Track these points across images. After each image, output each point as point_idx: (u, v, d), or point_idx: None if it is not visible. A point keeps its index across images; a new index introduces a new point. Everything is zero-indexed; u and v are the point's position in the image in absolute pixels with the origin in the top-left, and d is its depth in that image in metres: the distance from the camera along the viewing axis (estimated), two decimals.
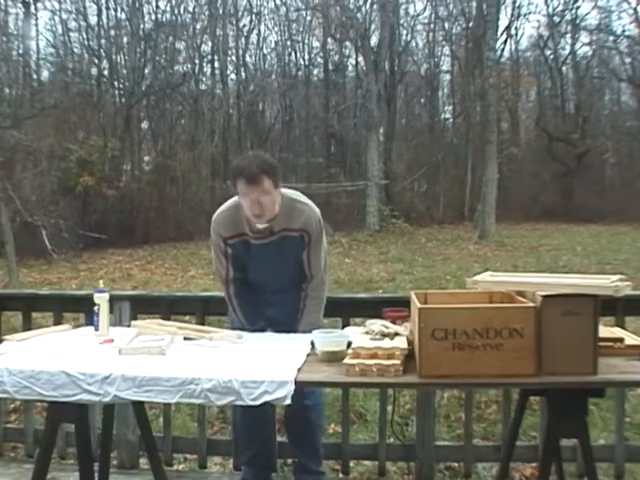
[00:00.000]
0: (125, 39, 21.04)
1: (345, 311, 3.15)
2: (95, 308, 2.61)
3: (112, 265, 13.72)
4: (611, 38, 24.18)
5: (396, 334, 2.27)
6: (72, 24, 21.07)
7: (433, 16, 24.28)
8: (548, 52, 25.69)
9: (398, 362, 2.03)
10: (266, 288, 2.87)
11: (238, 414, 3.00)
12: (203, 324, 3.20)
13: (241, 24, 23.07)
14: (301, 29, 24.23)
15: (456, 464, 3.26)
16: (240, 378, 1.99)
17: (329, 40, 24.13)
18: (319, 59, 25.10)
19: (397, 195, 22.16)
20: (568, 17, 24.84)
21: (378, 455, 3.15)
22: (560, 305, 1.98)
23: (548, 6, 26.02)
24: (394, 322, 2.42)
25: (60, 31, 21.16)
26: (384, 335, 2.25)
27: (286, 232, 2.70)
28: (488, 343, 1.97)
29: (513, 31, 25.53)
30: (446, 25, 24.65)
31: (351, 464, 3.22)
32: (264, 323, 2.80)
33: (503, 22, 22.43)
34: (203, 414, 3.26)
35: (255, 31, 23.60)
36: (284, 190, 2.73)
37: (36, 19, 20.60)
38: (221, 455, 3.38)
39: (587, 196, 22.57)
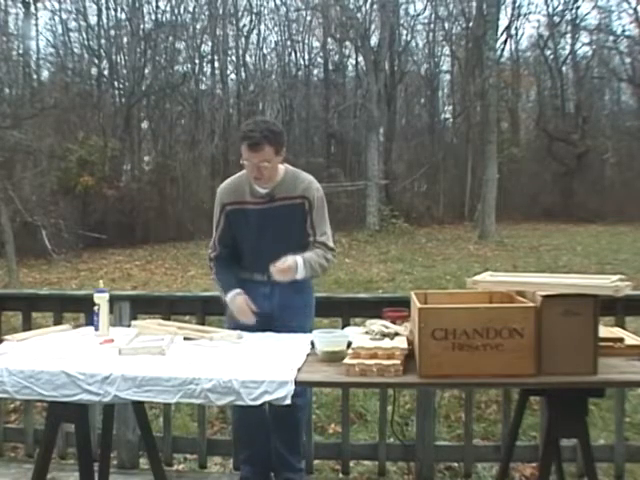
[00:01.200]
0: (125, 39, 21.04)
1: (345, 311, 3.15)
2: (95, 308, 2.61)
3: (112, 265, 13.72)
4: (611, 38, 24.17)
5: (396, 334, 2.27)
6: (72, 24, 21.10)
7: (433, 16, 24.30)
8: (548, 52, 25.69)
9: (398, 362, 2.03)
10: (263, 271, 2.79)
11: (236, 415, 3.01)
12: (203, 324, 3.20)
13: (241, 24, 23.08)
14: (301, 29, 24.23)
15: (456, 464, 3.26)
16: (240, 378, 1.99)
17: (329, 40, 24.13)
18: (319, 59, 25.10)
19: (397, 195, 22.15)
20: (568, 17, 24.86)
21: (378, 455, 3.15)
22: (560, 305, 1.98)
23: (548, 6, 26.07)
24: (394, 322, 2.42)
25: (60, 31, 21.19)
26: (384, 335, 2.25)
27: (286, 200, 2.78)
28: (488, 343, 1.97)
29: (513, 31, 25.57)
30: (446, 25, 24.66)
31: (351, 464, 3.22)
32: (256, 320, 2.74)
33: (503, 22, 22.45)
34: (203, 414, 3.26)
35: (255, 31, 23.62)
36: (289, 166, 2.86)
37: (36, 19, 20.63)
38: (221, 455, 3.38)
39: (587, 196, 22.56)
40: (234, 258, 2.92)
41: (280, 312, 2.80)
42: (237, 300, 2.73)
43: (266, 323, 2.73)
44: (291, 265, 2.64)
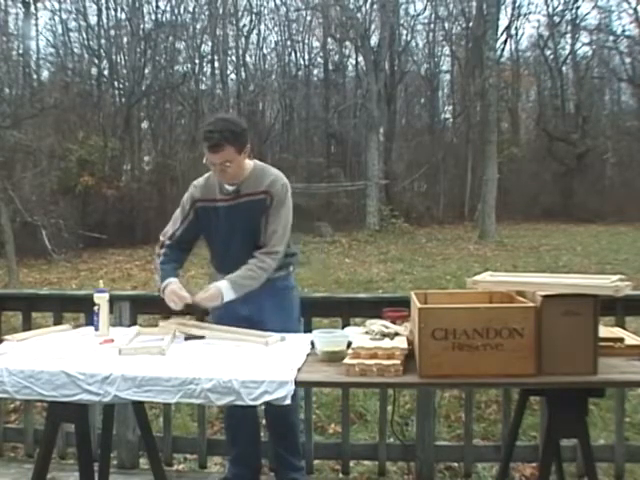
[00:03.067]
0: (125, 39, 21.04)
1: (345, 311, 3.15)
2: (95, 308, 2.61)
3: (112, 265, 13.72)
4: (611, 38, 24.20)
5: (396, 334, 2.27)
6: (72, 24, 21.14)
7: (433, 16, 24.33)
8: (548, 52, 25.72)
9: (398, 362, 2.03)
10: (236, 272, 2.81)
11: (225, 414, 3.03)
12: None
13: (241, 24, 23.11)
14: (301, 29, 24.27)
15: (456, 464, 3.26)
16: (240, 378, 1.99)
17: (329, 40, 24.16)
18: (319, 59, 25.14)
19: (397, 195, 22.15)
20: (568, 17, 24.89)
21: (378, 455, 3.15)
22: (560, 305, 1.98)
23: (548, 6, 26.07)
24: (394, 322, 2.42)
25: (60, 31, 21.23)
26: (384, 335, 2.25)
27: (251, 196, 2.75)
28: (488, 343, 1.97)
29: (513, 31, 25.62)
30: (446, 25, 24.69)
31: (351, 464, 3.22)
32: (236, 324, 2.70)
33: (503, 22, 22.48)
34: (203, 414, 3.26)
35: (255, 31, 23.66)
36: (258, 162, 2.85)
37: (36, 19, 20.67)
38: (221, 455, 3.37)
39: (587, 196, 22.57)
40: (184, 255, 2.90)
41: (258, 314, 2.76)
42: (168, 287, 2.68)
43: (246, 326, 2.66)
44: (214, 293, 2.61)
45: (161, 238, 2.90)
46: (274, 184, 2.75)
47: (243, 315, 2.73)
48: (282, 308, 2.82)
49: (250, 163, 2.80)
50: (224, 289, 2.61)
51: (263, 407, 2.64)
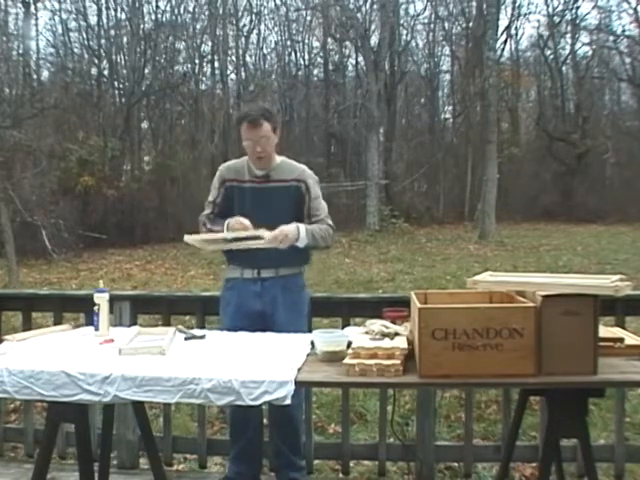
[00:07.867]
0: (125, 39, 21.04)
1: (345, 311, 3.15)
2: (95, 308, 2.61)
3: (112, 265, 13.71)
4: (611, 38, 24.18)
5: (396, 334, 2.27)
6: (72, 24, 21.13)
7: (433, 16, 24.29)
8: (548, 52, 25.69)
9: (398, 362, 2.03)
10: (253, 266, 2.86)
11: (231, 409, 3.04)
12: (203, 324, 3.20)
13: (241, 24, 23.10)
14: (301, 29, 24.26)
15: (456, 464, 3.26)
16: (240, 378, 1.99)
17: (329, 40, 24.14)
18: (319, 59, 25.11)
19: (397, 195, 22.14)
20: (568, 17, 24.85)
21: (378, 455, 3.15)
22: (560, 305, 1.98)
23: (548, 6, 26.05)
24: (394, 322, 2.42)
25: (60, 31, 21.22)
26: (384, 335, 2.25)
27: (281, 182, 2.90)
28: (488, 343, 1.97)
29: (513, 31, 25.55)
30: (446, 25, 24.66)
31: (351, 464, 3.22)
32: (249, 319, 2.79)
33: (503, 22, 22.43)
34: (203, 414, 3.26)
35: (255, 31, 23.65)
36: (285, 158, 3.02)
37: (36, 19, 20.65)
38: (221, 455, 3.38)
39: (587, 196, 22.56)
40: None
41: (271, 309, 2.84)
42: (233, 218, 2.79)
43: (259, 321, 2.78)
44: (291, 230, 2.71)
45: (205, 212, 3.00)
46: (305, 172, 2.95)
47: (257, 310, 2.83)
48: (294, 304, 2.89)
49: (278, 157, 2.97)
50: (302, 231, 2.75)
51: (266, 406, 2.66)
